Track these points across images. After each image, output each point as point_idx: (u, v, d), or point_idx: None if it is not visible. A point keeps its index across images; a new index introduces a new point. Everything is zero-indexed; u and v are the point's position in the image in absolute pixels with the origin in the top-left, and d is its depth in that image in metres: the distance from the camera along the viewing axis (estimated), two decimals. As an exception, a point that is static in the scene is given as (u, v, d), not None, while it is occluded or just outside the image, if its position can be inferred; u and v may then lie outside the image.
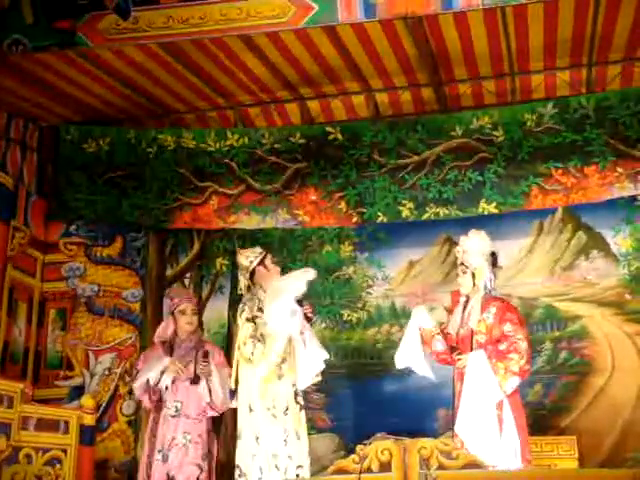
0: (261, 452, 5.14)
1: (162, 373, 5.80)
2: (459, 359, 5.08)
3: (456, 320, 5.30)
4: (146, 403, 5.95)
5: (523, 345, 4.89)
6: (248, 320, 5.27)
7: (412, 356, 5.22)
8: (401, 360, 5.28)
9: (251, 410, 5.27)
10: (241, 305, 5.42)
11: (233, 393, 5.55)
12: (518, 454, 4.80)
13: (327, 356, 5.37)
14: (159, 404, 5.86)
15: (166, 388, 5.80)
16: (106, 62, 6.36)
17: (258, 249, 5.60)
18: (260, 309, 5.30)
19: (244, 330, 5.27)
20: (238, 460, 5.31)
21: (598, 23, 6.03)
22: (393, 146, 6.82)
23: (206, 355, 5.84)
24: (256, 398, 5.25)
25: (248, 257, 5.49)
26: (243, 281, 5.50)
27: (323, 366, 5.34)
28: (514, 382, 4.92)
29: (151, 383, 5.79)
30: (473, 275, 5.22)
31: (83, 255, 7.50)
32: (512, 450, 4.79)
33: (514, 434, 4.82)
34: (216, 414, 5.94)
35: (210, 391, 5.80)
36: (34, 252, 7.31)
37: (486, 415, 4.87)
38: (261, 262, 5.45)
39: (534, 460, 5.06)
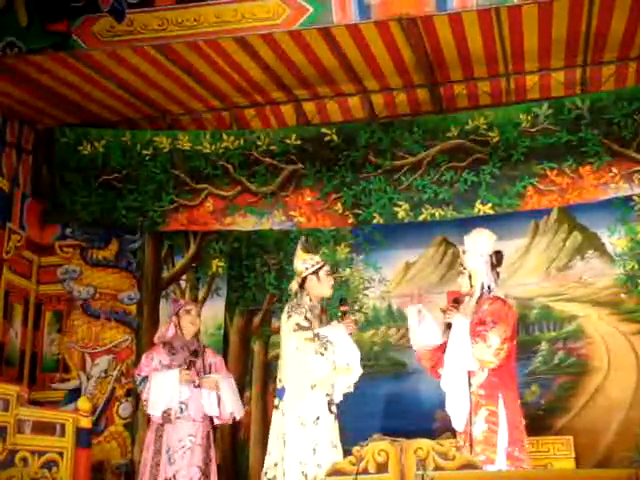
0: (287, 457, 5.10)
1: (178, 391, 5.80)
2: (451, 310, 5.09)
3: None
4: (162, 422, 5.90)
5: (493, 338, 4.85)
6: (302, 327, 5.14)
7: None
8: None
9: (283, 414, 5.24)
10: (286, 311, 5.30)
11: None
12: (505, 451, 4.79)
13: (361, 371, 5.27)
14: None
15: (180, 402, 5.83)
16: (101, 64, 6.35)
17: (317, 258, 5.45)
18: (307, 318, 5.25)
19: (299, 335, 5.13)
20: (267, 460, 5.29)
21: (592, 24, 6.04)
22: (388, 147, 6.83)
23: (196, 354, 5.91)
24: (291, 402, 5.21)
25: (305, 262, 5.36)
26: (294, 284, 5.41)
27: (356, 379, 5.29)
28: (473, 365, 4.91)
29: (173, 409, 5.78)
30: (470, 277, 5.21)
31: (79, 257, 7.48)
32: (501, 447, 4.79)
33: (504, 431, 4.82)
34: (221, 422, 6.01)
35: (219, 401, 5.85)
36: (30, 255, 7.30)
37: (459, 378, 4.90)
38: (315, 272, 5.32)
39: (530, 460, 5.05)
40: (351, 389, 5.29)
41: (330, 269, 5.48)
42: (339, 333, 5.16)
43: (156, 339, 6.18)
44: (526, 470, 4.75)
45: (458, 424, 4.95)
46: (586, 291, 7.14)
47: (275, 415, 5.25)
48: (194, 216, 7.13)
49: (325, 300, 5.53)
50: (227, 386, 5.93)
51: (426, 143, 6.78)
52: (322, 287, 5.34)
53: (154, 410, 5.79)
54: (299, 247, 5.45)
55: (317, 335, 5.10)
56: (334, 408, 5.20)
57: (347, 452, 3.93)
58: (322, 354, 5.06)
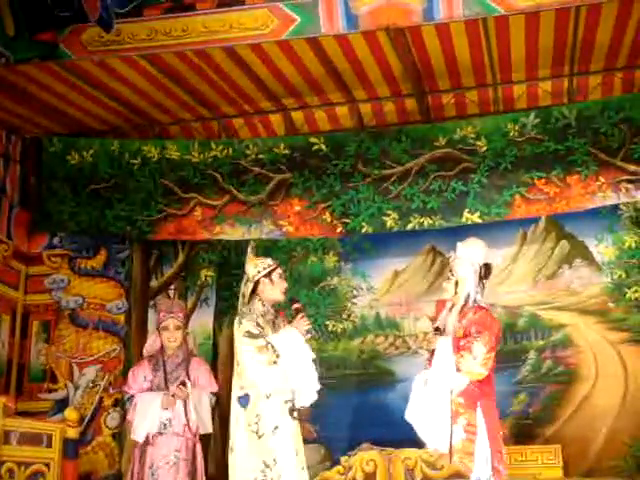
0: (251, 468, 5.02)
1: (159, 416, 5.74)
2: (434, 338, 5.09)
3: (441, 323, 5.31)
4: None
5: (478, 348, 4.85)
6: (252, 335, 5.03)
7: None
8: None
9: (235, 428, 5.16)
10: (237, 317, 5.18)
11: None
12: (489, 462, 4.78)
13: (316, 375, 5.16)
14: None
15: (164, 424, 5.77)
16: (89, 74, 6.34)
17: (269, 260, 5.35)
18: (258, 325, 5.18)
19: (251, 343, 5.01)
20: (231, 473, 5.19)
21: (579, 34, 6.08)
22: (377, 156, 6.84)
23: (184, 382, 5.79)
24: (242, 415, 5.13)
25: (257, 266, 5.26)
26: (245, 289, 5.27)
27: (317, 387, 5.17)
28: (461, 380, 4.90)
29: (152, 432, 5.73)
30: (456, 284, 5.22)
31: (67, 267, 7.46)
32: (483, 458, 4.78)
33: (484, 440, 4.81)
34: (191, 437, 5.81)
35: (186, 413, 5.74)
36: (17, 264, 7.28)
37: (442, 401, 4.87)
38: (268, 274, 5.23)
39: (518, 469, 5.05)
40: (315, 397, 5.14)
41: (283, 272, 5.38)
42: (292, 339, 5.06)
43: (144, 352, 6.14)
44: (514, 479, 4.76)
45: (437, 437, 4.90)
46: (574, 299, 7.16)
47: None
48: (183, 225, 7.11)
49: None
50: (195, 401, 5.79)
51: (414, 152, 6.78)
52: (275, 290, 5.22)
53: (137, 436, 5.73)
54: (249, 251, 5.37)
55: (269, 344, 5.01)
56: (296, 414, 5.07)
57: (335, 462, 3.92)
58: (275, 363, 5.00)
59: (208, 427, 5.92)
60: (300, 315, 5.19)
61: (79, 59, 5.91)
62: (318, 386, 5.15)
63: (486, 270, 5.23)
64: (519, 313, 7.21)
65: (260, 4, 5.60)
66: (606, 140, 6.37)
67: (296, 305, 5.27)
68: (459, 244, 5.27)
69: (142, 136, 7.44)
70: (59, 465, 5.19)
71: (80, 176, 7.19)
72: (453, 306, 5.19)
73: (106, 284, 7.46)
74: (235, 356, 5.22)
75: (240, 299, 5.34)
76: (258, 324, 5.10)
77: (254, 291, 5.23)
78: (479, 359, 4.82)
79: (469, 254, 5.20)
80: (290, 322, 5.24)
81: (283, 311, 5.41)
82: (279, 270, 5.32)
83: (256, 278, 5.22)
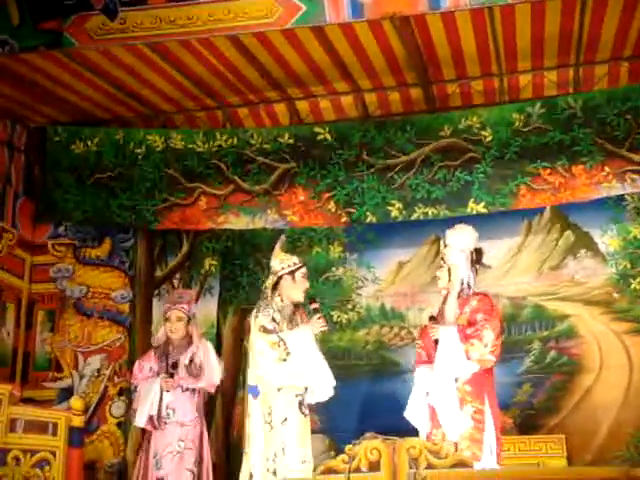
0: (264, 456, 5.08)
1: (160, 399, 5.78)
2: (433, 328, 5.10)
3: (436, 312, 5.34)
4: (151, 428, 5.89)
5: (488, 334, 4.86)
6: (266, 330, 5.11)
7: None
8: None
9: (249, 416, 5.22)
10: (255, 310, 5.26)
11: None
12: (494, 450, 4.80)
13: (328, 374, 5.22)
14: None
15: (166, 407, 5.80)
16: (93, 62, 6.34)
17: (295, 259, 5.42)
18: (274, 320, 5.22)
19: (264, 338, 5.09)
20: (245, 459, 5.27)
21: (585, 23, 6.06)
22: (382, 146, 6.82)
23: (175, 366, 5.84)
24: (258, 405, 5.18)
25: (282, 262, 5.34)
26: (268, 282, 5.37)
27: (333, 384, 5.22)
28: (471, 367, 4.91)
29: (155, 415, 5.77)
30: (449, 271, 5.23)
31: (72, 256, 7.48)
32: (490, 445, 4.80)
33: (492, 429, 4.83)
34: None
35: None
36: (22, 253, 7.29)
37: (449, 390, 4.89)
38: (291, 272, 5.29)
39: (523, 459, 5.07)
40: (332, 392, 5.21)
41: (306, 272, 5.42)
42: (304, 338, 5.12)
43: (153, 343, 6.18)
44: (518, 468, 4.78)
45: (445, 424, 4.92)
46: (578, 290, 7.15)
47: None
48: (187, 215, 7.12)
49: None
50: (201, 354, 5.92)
51: (419, 142, 6.77)
52: (296, 289, 5.29)
53: (138, 421, 5.82)
54: (278, 246, 5.42)
55: (281, 340, 5.05)
56: (306, 410, 5.16)
57: (339, 451, 3.93)
58: (284, 360, 5.02)
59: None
60: (317, 315, 5.23)
61: (84, 48, 5.90)
62: (334, 382, 5.18)
63: (477, 255, 5.24)
64: (523, 304, 7.21)
65: (265, -8, 5.59)
66: (612, 130, 6.35)
67: (314, 305, 5.32)
68: (448, 231, 5.30)
69: (146, 125, 7.43)
70: (64, 453, 5.19)
71: (85, 165, 7.20)
72: (448, 294, 5.20)
73: (110, 273, 7.47)
74: (249, 346, 5.29)
75: (263, 290, 5.41)
76: (274, 319, 5.15)
77: (275, 286, 5.26)
78: (489, 346, 4.83)
79: (459, 241, 5.23)
80: (309, 321, 5.28)
81: (304, 310, 5.44)
82: (303, 270, 5.37)
83: (279, 274, 5.27)
